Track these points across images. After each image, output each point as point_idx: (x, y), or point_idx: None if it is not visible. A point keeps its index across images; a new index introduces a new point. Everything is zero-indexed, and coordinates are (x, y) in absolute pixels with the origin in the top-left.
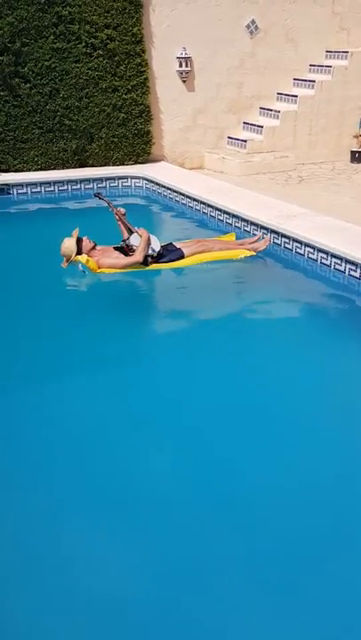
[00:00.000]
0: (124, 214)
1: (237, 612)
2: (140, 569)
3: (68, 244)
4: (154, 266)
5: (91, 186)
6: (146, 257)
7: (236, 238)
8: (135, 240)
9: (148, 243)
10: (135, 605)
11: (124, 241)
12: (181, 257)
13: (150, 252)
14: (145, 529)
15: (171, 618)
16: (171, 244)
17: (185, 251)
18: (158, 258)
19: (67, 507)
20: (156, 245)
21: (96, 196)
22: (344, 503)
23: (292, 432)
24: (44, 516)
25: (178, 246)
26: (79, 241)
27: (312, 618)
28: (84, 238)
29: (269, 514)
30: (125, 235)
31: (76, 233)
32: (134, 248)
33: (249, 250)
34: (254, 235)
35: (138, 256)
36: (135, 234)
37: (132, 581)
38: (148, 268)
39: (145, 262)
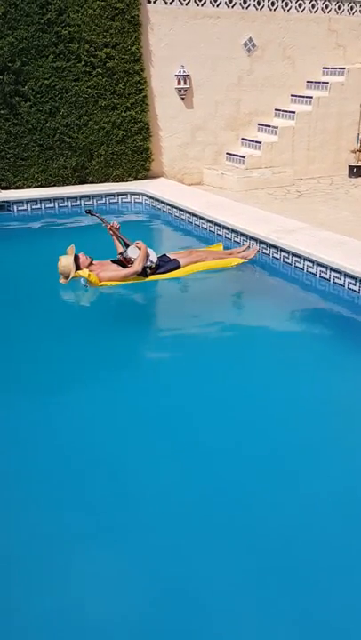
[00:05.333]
0: (117, 228)
1: (239, 626)
2: (138, 582)
3: (66, 262)
4: (152, 277)
5: (91, 202)
6: (145, 268)
7: (225, 248)
8: (133, 252)
9: (146, 254)
10: (134, 617)
11: (120, 254)
12: (178, 267)
13: (149, 263)
14: (145, 542)
15: (171, 631)
16: (165, 255)
17: (181, 261)
18: (155, 269)
19: (65, 518)
20: (154, 257)
21: (87, 212)
22: (347, 515)
23: (292, 444)
24: (41, 527)
25: (172, 257)
26: (76, 258)
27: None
28: (81, 254)
29: (271, 526)
30: (120, 249)
31: (71, 250)
32: (132, 260)
33: (240, 258)
34: (239, 244)
35: (137, 266)
36: (132, 246)
37: (132, 593)
38: (147, 279)
39: (144, 274)
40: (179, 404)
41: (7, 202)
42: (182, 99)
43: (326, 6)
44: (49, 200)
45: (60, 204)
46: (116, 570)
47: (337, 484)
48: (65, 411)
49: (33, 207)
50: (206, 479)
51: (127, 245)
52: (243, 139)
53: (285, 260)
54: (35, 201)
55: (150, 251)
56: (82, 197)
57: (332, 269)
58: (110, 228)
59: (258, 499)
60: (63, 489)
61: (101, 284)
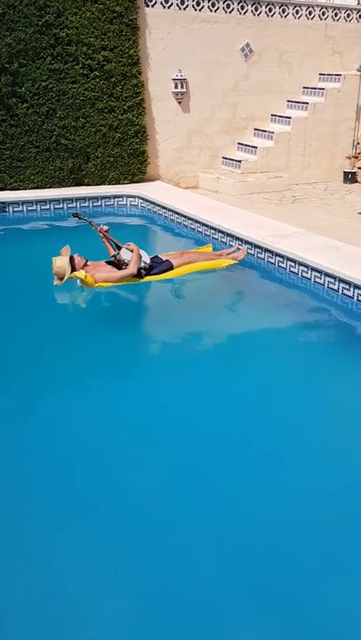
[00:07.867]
0: (107, 231)
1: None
2: (136, 583)
3: (61, 264)
4: (146, 278)
5: (86, 204)
6: (139, 270)
7: (214, 250)
8: (126, 254)
9: (139, 255)
10: (133, 617)
11: (114, 256)
12: (171, 268)
13: (142, 264)
14: (141, 549)
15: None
16: (156, 256)
17: (173, 262)
18: (149, 270)
19: (59, 529)
20: (146, 258)
21: (75, 216)
22: (346, 523)
23: (287, 449)
24: (38, 528)
25: (165, 258)
26: (71, 259)
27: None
28: (75, 255)
29: (270, 533)
30: (112, 251)
31: (66, 251)
32: (126, 262)
33: (230, 259)
34: (231, 246)
35: (132, 268)
36: (124, 249)
37: (131, 593)
38: (141, 280)
39: (139, 275)
40: (173, 405)
41: (3, 203)
42: (179, 102)
43: (323, 13)
44: (45, 202)
45: (56, 206)
46: (114, 570)
47: (336, 486)
48: (60, 410)
49: (29, 208)
50: (204, 480)
51: (118, 247)
52: (239, 143)
53: (280, 264)
54: (30, 202)
55: (142, 252)
56: (78, 199)
57: (327, 274)
58: (99, 231)
59: (257, 501)
60: (58, 491)
61: (96, 285)
